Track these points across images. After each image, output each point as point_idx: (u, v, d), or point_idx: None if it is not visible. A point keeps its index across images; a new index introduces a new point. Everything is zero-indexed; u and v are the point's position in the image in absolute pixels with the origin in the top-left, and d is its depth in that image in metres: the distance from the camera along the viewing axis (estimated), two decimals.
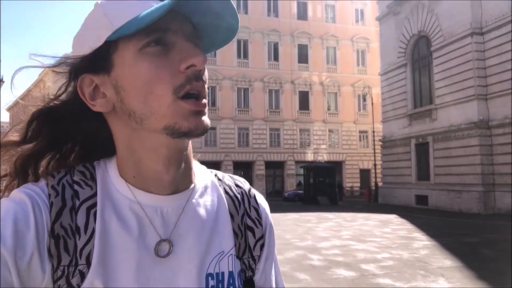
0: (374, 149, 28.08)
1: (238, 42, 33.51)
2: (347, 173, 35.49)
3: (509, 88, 17.31)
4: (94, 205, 0.58)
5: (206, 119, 0.57)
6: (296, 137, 34.27)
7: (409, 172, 23.03)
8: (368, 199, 27.27)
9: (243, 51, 33.69)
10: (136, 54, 0.55)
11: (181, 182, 0.63)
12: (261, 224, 0.70)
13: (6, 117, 79.39)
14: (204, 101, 0.57)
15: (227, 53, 32.95)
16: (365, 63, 36.65)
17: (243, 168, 31.80)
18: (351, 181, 35.25)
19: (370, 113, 30.65)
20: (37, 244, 0.53)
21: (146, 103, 0.55)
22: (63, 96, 0.63)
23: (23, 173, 0.61)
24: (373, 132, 29.12)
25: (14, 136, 0.63)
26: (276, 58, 34.54)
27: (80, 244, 0.55)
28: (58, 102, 0.63)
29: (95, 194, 0.59)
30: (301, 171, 29.26)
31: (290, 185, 33.03)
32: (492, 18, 18.36)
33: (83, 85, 0.60)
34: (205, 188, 0.67)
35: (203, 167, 0.72)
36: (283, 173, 34.00)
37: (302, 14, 35.70)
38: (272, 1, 34.88)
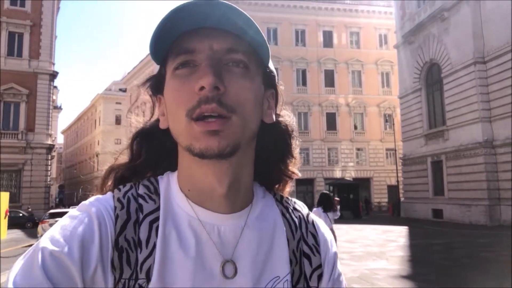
0: (396, 166, 30.09)
1: None
2: (375, 189, 37.42)
3: (509, 111, 19.23)
4: (157, 219, 0.59)
5: (223, 140, 0.56)
6: (325, 156, 36.82)
7: (426, 188, 24.98)
8: (392, 213, 29.20)
9: None
10: (170, 77, 0.60)
11: (237, 200, 0.63)
12: (319, 252, 0.67)
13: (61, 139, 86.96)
14: (217, 120, 0.56)
15: None
16: (390, 84, 38.77)
17: None
18: (379, 196, 37.12)
19: (395, 131, 32.67)
20: (101, 257, 0.54)
21: (174, 124, 0.60)
22: (155, 117, 0.69)
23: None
24: (395, 150, 31.15)
25: (123, 159, 0.70)
26: (304, 83, 37.54)
27: (141, 258, 0.56)
28: (151, 123, 0.70)
29: (158, 208, 0.60)
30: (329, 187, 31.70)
31: None
32: (492, 48, 20.45)
33: (160, 104, 0.66)
34: (263, 209, 0.66)
35: (262, 188, 0.71)
36: (313, 189, 36.51)
37: (328, 42, 38.62)
38: (299, 32, 38.13)
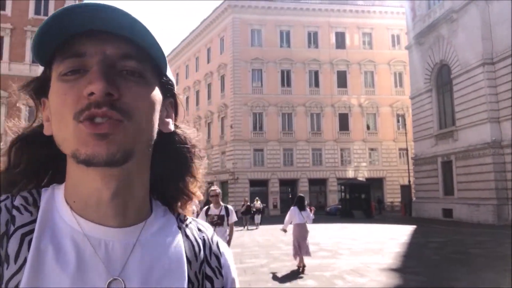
0: (408, 166, 30.37)
1: (282, 72, 37.62)
2: (388, 189, 37.68)
3: None
4: (31, 232, 0.54)
5: (112, 145, 0.52)
6: (337, 156, 37.28)
7: (436, 187, 25.25)
8: (404, 213, 29.50)
9: (286, 80, 37.70)
10: (55, 80, 0.56)
11: (128, 213, 0.59)
12: (221, 275, 0.66)
13: None
14: (107, 122, 0.52)
15: (272, 82, 37.17)
16: (403, 84, 38.89)
17: (288, 185, 35.34)
18: (392, 196, 37.37)
19: (408, 131, 32.83)
20: None
21: (59, 129, 0.55)
22: (38, 121, 0.64)
23: None
24: (407, 150, 31.44)
25: None
26: (317, 84, 38.08)
27: (7, 274, 0.50)
28: (33, 128, 0.64)
29: (34, 221, 0.55)
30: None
31: (333, 200, 35.93)
32: (500, 50, 20.65)
33: (44, 108, 0.61)
34: (162, 227, 0.63)
35: (164, 207, 0.68)
36: (326, 189, 37.04)
37: (340, 43, 39.05)
38: (312, 34, 38.69)
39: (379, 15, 39.64)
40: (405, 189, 36.74)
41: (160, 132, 0.62)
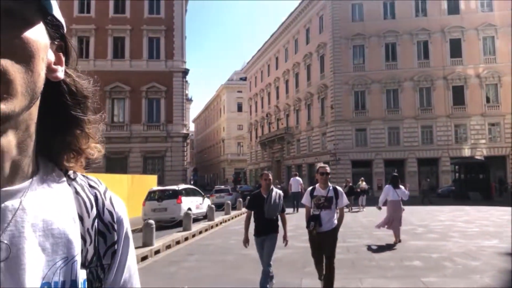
0: None
1: (386, 46, 35.57)
2: None
3: None
4: None
5: None
6: (451, 133, 34.26)
7: None
8: None
9: (391, 54, 35.57)
10: None
11: (13, 173, 0.54)
12: (114, 230, 0.65)
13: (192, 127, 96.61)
14: None
15: (375, 58, 35.44)
16: None
17: (394, 166, 33.65)
18: None
19: None
20: None
21: None
22: None
23: None
24: None
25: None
26: (426, 56, 35.21)
27: None
28: None
29: None
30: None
31: (445, 181, 33.29)
32: None
33: None
34: (49, 185, 0.59)
35: (51, 164, 0.62)
36: (438, 169, 34.44)
37: (453, 8, 35.31)
38: (420, 2, 35.65)
39: None
40: None
41: (48, 81, 0.56)
